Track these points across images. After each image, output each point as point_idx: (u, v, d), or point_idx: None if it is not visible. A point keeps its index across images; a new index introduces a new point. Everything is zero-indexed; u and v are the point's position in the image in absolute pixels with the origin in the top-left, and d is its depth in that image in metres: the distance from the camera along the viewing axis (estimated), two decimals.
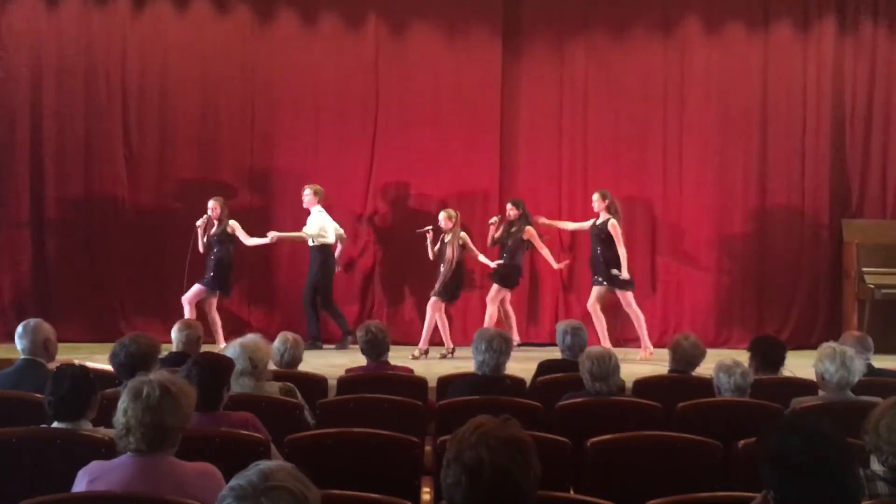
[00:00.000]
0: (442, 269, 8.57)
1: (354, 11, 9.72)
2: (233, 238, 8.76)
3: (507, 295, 8.91)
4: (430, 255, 8.74)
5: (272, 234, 8.91)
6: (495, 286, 8.73)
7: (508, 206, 8.91)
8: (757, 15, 9.87)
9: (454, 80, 9.72)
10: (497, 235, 8.88)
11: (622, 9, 9.84)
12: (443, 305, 8.62)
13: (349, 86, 9.72)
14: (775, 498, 2.25)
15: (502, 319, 8.89)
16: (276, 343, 5.43)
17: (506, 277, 8.74)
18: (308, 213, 8.97)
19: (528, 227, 8.77)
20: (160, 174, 9.59)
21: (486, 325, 8.33)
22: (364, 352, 5.53)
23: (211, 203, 8.70)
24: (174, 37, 9.57)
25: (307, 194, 8.96)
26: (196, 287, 8.70)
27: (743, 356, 5.39)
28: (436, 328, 8.62)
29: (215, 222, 8.73)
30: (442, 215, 8.66)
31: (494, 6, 9.76)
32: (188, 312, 8.57)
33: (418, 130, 9.69)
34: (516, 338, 8.59)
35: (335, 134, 9.71)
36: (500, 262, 8.75)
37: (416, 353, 8.49)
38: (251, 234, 8.92)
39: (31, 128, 9.37)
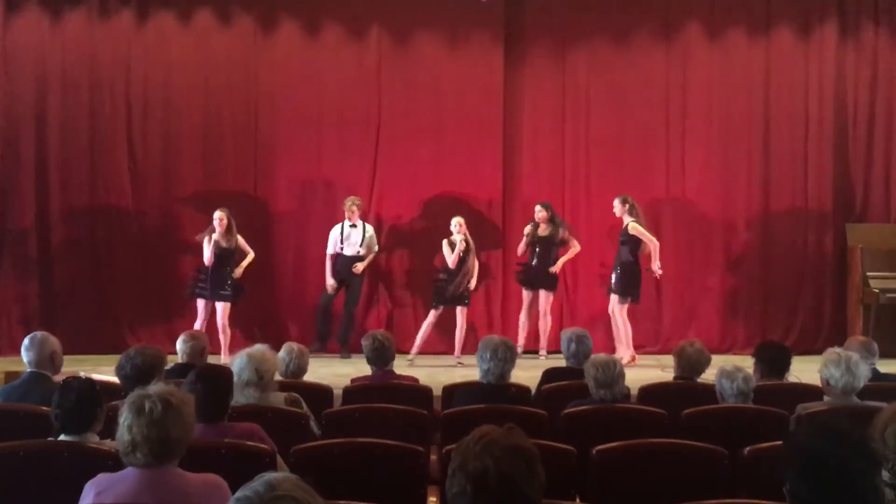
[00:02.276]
0: (463, 276, 8.68)
1: (357, 21, 9.75)
2: (237, 250, 8.76)
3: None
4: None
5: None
6: (550, 294, 8.99)
7: (538, 208, 8.99)
8: (758, 20, 9.87)
9: (456, 89, 9.74)
10: (543, 234, 8.97)
11: (624, 15, 9.85)
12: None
13: (352, 95, 9.74)
14: (791, 494, 2.26)
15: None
16: (282, 353, 5.43)
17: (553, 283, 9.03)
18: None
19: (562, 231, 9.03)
20: (164, 185, 9.62)
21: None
22: (370, 361, 5.53)
23: (217, 214, 8.64)
24: (178, 48, 9.61)
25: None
26: (224, 306, 8.62)
27: (748, 362, 5.40)
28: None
29: (223, 234, 8.63)
30: (458, 221, 8.75)
31: (496, 14, 9.78)
32: (226, 337, 8.60)
33: (421, 139, 9.71)
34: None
35: (338, 143, 9.73)
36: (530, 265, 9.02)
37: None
38: (252, 244, 8.92)
39: (36, 140, 9.40)
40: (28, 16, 9.40)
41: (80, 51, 9.48)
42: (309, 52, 9.75)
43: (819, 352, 5.27)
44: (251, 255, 8.82)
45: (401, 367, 7.27)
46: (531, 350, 9.06)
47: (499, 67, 9.76)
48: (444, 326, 9.03)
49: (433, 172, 9.71)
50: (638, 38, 9.86)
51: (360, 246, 9.06)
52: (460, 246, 8.67)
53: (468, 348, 8.63)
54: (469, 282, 8.77)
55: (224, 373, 4.05)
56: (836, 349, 4.57)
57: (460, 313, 8.79)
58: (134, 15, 9.52)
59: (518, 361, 5.00)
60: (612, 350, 8.41)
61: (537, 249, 9.00)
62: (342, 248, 9.07)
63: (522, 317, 9.08)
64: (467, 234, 8.77)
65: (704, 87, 9.87)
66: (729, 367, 4.65)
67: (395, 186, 9.77)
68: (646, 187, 9.77)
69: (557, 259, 9.06)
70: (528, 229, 9.04)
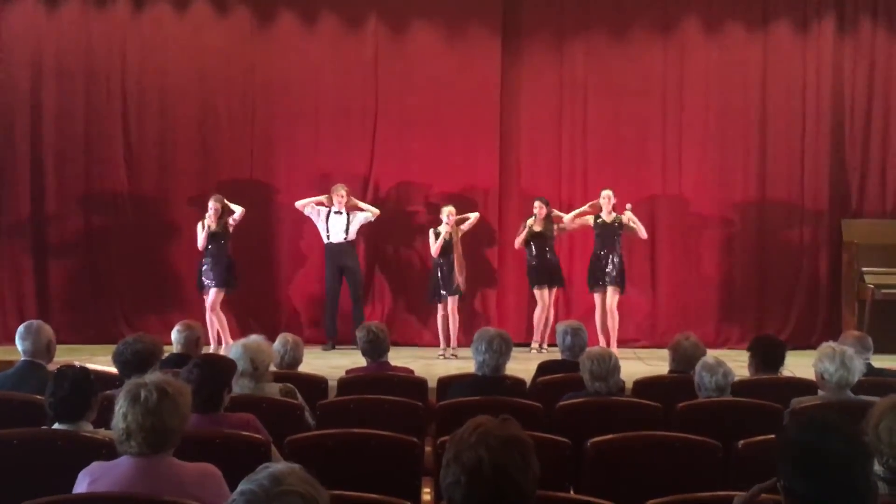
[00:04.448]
0: (455, 267, 8.66)
1: (354, 12, 9.73)
2: (230, 234, 8.75)
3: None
4: None
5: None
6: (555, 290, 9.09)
7: (538, 204, 8.99)
8: (756, 15, 9.87)
9: (454, 81, 9.72)
10: (539, 229, 8.99)
11: (622, 9, 9.85)
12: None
13: (349, 86, 9.73)
14: (785, 489, 2.26)
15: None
16: (277, 344, 5.43)
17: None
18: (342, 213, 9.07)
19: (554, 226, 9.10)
20: (160, 176, 9.61)
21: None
22: (364, 352, 5.52)
23: (211, 203, 8.67)
24: (174, 38, 9.58)
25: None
26: (215, 292, 8.64)
27: (743, 356, 5.40)
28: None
29: (214, 222, 8.66)
30: (448, 210, 8.73)
31: (494, 6, 9.77)
32: (216, 321, 8.57)
33: (418, 130, 9.70)
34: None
35: (335, 134, 9.72)
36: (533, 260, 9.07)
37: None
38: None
39: (31, 129, 9.38)
40: (24, 4, 9.36)
41: (76, 40, 9.45)
42: (306, 42, 9.73)
43: (814, 346, 5.29)
44: (240, 210, 8.78)
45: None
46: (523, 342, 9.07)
47: (496, 59, 9.74)
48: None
49: (430, 164, 9.70)
50: (635, 32, 9.85)
51: (345, 233, 9.07)
52: (444, 236, 8.65)
53: (466, 341, 8.64)
54: (460, 273, 8.70)
55: (223, 363, 4.05)
56: (831, 343, 4.57)
57: (451, 304, 8.76)
58: (130, 4, 9.49)
59: (513, 354, 4.99)
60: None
61: (533, 247, 8.99)
62: (329, 236, 9.07)
63: (538, 313, 9.05)
64: (454, 225, 8.73)
65: (702, 81, 9.87)
66: (711, 361, 4.62)
67: (392, 177, 9.77)
68: (642, 180, 9.78)
69: (556, 253, 9.06)
70: (528, 222, 9.04)
